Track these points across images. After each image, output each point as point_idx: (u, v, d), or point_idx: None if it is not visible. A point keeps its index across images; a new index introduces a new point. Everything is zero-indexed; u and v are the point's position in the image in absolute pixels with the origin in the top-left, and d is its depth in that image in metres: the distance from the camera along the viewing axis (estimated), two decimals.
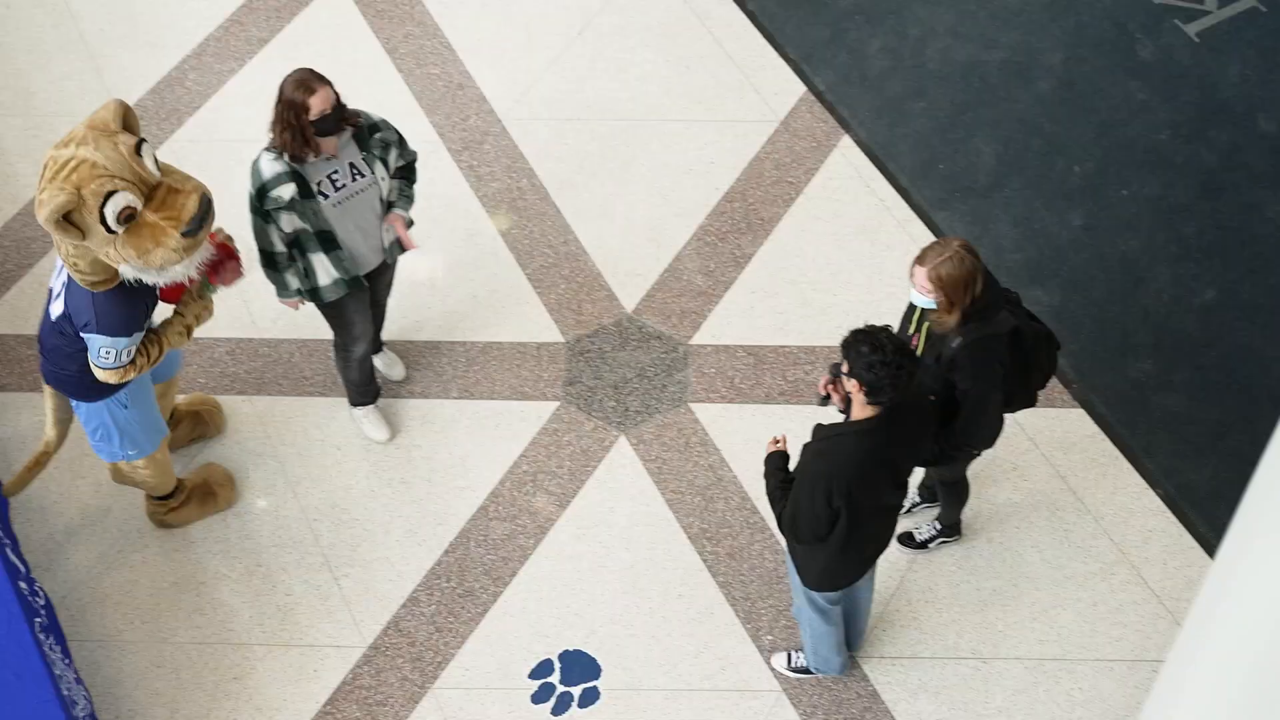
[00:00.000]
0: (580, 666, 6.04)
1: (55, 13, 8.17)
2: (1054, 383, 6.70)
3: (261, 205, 5.60)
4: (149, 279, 5.07)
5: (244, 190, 5.70)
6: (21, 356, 6.82)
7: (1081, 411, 6.67)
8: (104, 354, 5.22)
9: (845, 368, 4.77)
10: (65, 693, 5.40)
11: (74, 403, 5.67)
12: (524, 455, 6.56)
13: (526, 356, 6.84)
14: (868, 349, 4.67)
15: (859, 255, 7.16)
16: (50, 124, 7.63)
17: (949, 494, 6.06)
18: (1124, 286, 7.01)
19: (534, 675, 6.02)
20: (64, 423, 5.96)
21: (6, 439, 6.61)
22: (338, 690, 5.99)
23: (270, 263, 5.79)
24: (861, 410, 4.87)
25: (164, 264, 4.95)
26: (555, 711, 5.93)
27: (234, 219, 5.97)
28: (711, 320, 6.93)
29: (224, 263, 5.50)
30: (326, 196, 5.65)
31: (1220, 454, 6.49)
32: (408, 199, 5.93)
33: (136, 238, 4.89)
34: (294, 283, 5.85)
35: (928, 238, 7.19)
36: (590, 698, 5.96)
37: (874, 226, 7.27)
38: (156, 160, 4.98)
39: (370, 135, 5.72)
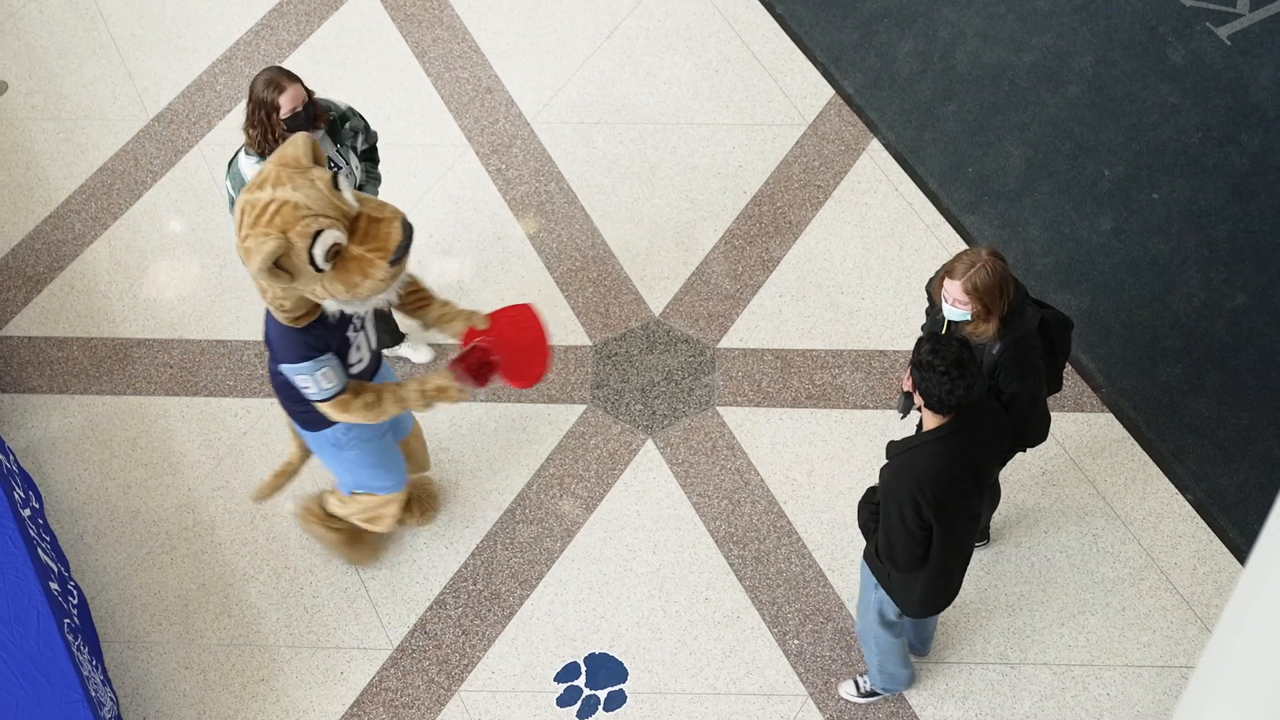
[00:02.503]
0: (606, 670, 6.02)
1: (87, 16, 8.21)
2: (1083, 387, 6.67)
3: None
4: (352, 310, 4.92)
5: None
6: (52, 359, 6.85)
7: (1110, 416, 6.63)
8: (301, 383, 5.04)
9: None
10: (93, 694, 5.42)
11: (298, 428, 5.56)
12: (551, 458, 6.55)
13: (554, 360, 6.84)
14: (928, 350, 4.57)
15: (887, 258, 7.13)
16: (82, 127, 7.68)
17: None
18: (1154, 291, 6.96)
19: (560, 678, 6.01)
20: (301, 443, 5.83)
21: (37, 441, 6.64)
22: (364, 692, 5.99)
23: None
24: (931, 420, 4.75)
25: (371, 294, 4.78)
26: (581, 715, 5.92)
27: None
28: (739, 324, 6.91)
29: (481, 368, 5.34)
30: None
31: (1251, 459, 6.43)
32: (376, 180, 5.96)
33: (344, 273, 4.67)
34: None
35: (956, 241, 7.16)
36: (616, 701, 5.95)
37: (902, 230, 7.24)
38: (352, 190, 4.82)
39: (342, 126, 5.74)
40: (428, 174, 7.47)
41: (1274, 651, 3.08)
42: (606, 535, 6.36)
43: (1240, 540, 6.19)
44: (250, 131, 5.49)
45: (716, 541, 6.32)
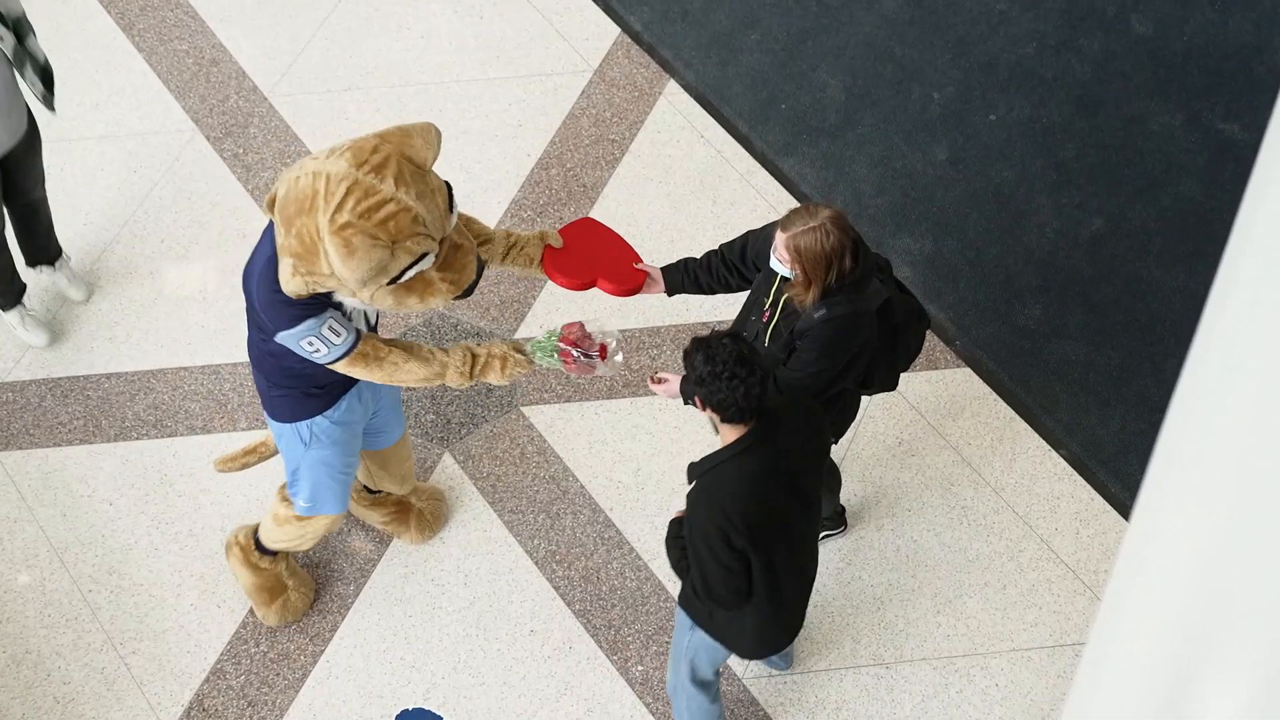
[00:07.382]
0: None
1: None
2: (934, 341, 6.81)
3: None
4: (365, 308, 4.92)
5: None
6: None
7: (968, 370, 6.79)
8: (309, 349, 4.88)
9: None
10: None
11: (266, 416, 5.48)
12: None
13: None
14: (701, 359, 4.55)
15: (699, 217, 7.20)
16: None
17: None
18: (1002, 224, 7.15)
19: None
20: None
21: None
22: None
23: None
24: (730, 432, 4.71)
25: (415, 312, 4.70)
26: None
27: None
28: (537, 308, 6.92)
29: (581, 359, 5.32)
30: None
31: (1126, 402, 6.65)
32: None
33: (405, 290, 4.71)
34: None
35: (775, 188, 7.26)
36: None
37: (713, 182, 7.32)
38: None
39: None
40: (151, 168, 7.32)
41: (1167, 615, 3.17)
42: (407, 571, 6.32)
43: (1123, 494, 6.40)
44: None
45: (536, 563, 6.33)
